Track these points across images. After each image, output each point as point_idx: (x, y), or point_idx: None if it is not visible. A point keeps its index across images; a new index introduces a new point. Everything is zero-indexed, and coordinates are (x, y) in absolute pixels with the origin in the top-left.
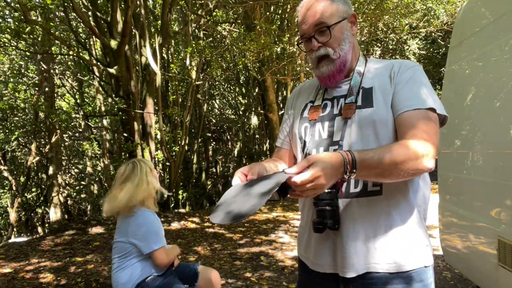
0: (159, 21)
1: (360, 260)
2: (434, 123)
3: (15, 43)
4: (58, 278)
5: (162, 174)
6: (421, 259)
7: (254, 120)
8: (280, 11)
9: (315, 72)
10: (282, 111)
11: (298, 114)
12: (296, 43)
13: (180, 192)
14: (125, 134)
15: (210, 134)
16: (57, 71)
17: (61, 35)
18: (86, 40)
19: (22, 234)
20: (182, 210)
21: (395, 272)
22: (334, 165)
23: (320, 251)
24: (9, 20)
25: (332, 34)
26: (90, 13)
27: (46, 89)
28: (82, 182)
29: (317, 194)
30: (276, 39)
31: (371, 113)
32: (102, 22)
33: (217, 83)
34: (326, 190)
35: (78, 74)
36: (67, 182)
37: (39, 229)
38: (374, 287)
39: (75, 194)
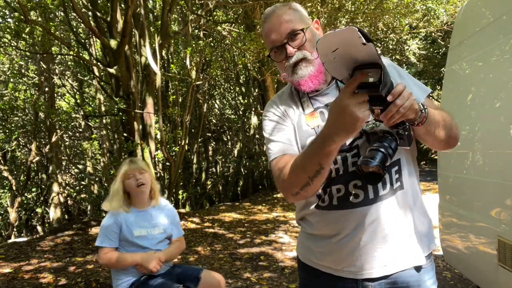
0: (159, 21)
1: (380, 261)
2: None
3: (15, 43)
4: (58, 278)
5: (162, 174)
6: (431, 249)
7: (254, 120)
8: None
9: (293, 79)
10: None
11: (295, 127)
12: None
13: (180, 192)
14: (125, 134)
15: (210, 134)
16: (57, 71)
17: (61, 35)
18: (86, 40)
19: (22, 234)
20: (182, 210)
21: (416, 267)
22: None
23: (336, 255)
24: (9, 20)
25: (306, 36)
26: (90, 13)
27: (46, 89)
28: (82, 182)
29: (412, 111)
30: None
31: None
32: (102, 22)
33: (217, 83)
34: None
35: (78, 74)
36: (67, 182)
37: (39, 229)
38: (396, 286)
39: (75, 194)
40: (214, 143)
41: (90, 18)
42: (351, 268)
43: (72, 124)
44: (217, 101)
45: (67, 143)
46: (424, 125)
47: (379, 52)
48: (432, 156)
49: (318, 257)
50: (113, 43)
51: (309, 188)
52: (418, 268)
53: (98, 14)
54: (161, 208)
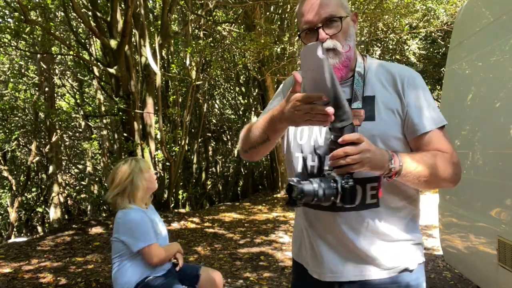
0: (159, 21)
1: (356, 269)
2: (449, 139)
3: (15, 43)
4: (58, 278)
5: (162, 174)
6: (414, 260)
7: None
8: (280, 11)
9: None
10: None
11: None
12: (297, 34)
13: (180, 192)
14: (125, 134)
15: (210, 134)
16: (57, 71)
17: (61, 35)
18: (86, 40)
19: (22, 234)
20: (182, 210)
21: (389, 277)
22: (380, 150)
23: (316, 258)
24: (9, 20)
25: (342, 26)
26: (90, 13)
27: (46, 89)
28: (82, 182)
29: (361, 166)
30: (276, 39)
31: (371, 128)
32: (102, 22)
33: (217, 83)
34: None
35: (78, 74)
36: (67, 182)
37: (39, 229)
38: None
39: (75, 194)
40: (214, 143)
41: (90, 18)
42: (317, 269)
43: (72, 124)
44: (217, 101)
45: (67, 143)
46: (399, 178)
47: (337, 82)
48: None
49: (298, 251)
50: (113, 43)
51: (254, 151)
52: (385, 280)
53: (98, 14)
54: (152, 209)
